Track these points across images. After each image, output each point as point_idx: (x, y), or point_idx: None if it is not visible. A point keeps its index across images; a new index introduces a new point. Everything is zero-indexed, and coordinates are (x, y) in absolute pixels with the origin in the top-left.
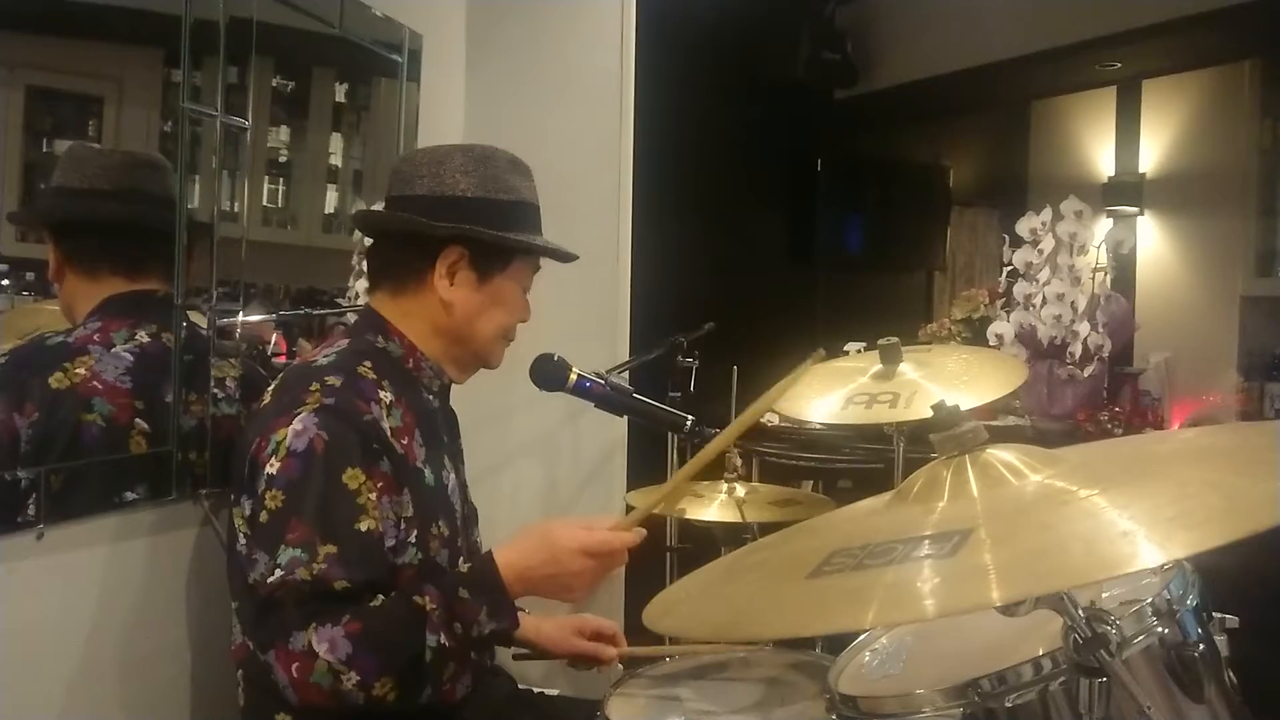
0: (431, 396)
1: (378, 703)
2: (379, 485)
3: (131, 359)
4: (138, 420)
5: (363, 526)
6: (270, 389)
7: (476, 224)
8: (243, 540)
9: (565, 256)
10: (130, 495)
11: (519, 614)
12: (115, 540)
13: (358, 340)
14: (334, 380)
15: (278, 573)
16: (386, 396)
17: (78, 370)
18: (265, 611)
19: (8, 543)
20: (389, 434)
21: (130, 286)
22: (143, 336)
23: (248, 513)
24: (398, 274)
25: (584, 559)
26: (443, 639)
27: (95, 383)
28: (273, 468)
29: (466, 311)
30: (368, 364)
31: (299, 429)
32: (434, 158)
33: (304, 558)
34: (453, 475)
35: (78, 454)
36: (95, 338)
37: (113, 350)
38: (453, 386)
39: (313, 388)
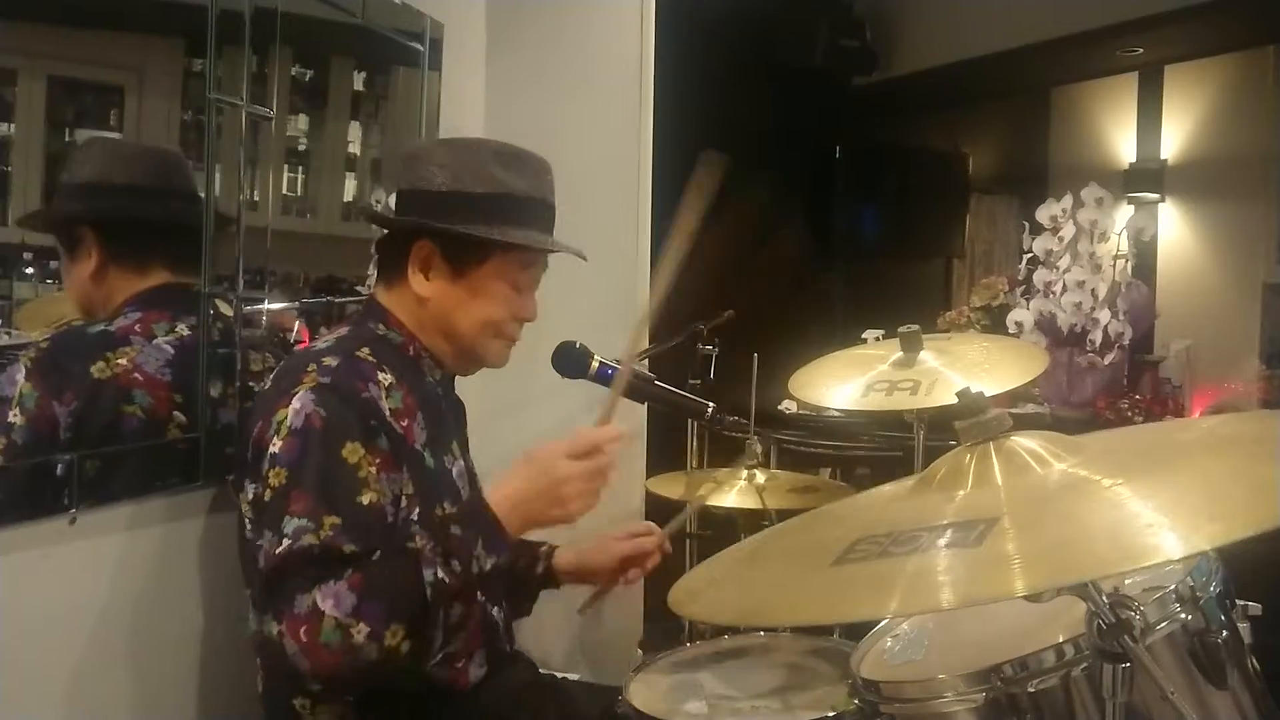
0: (433, 383)
1: (392, 655)
2: (377, 461)
3: (172, 351)
4: (175, 413)
5: (365, 500)
6: (271, 376)
7: (442, 217)
8: (249, 525)
9: (547, 249)
10: (161, 484)
11: (555, 550)
12: (144, 525)
13: (358, 328)
14: (330, 361)
15: (285, 542)
16: (386, 379)
17: (119, 361)
18: (273, 582)
19: (42, 528)
20: (387, 414)
21: (171, 279)
22: (183, 329)
23: (251, 496)
24: (385, 268)
25: (570, 464)
26: (439, 573)
27: (137, 374)
28: (275, 447)
29: (442, 305)
30: (366, 349)
31: (297, 407)
32: (417, 153)
33: (310, 525)
34: (460, 461)
35: (114, 444)
36: (136, 328)
37: (154, 342)
38: (472, 375)
39: (310, 369)
